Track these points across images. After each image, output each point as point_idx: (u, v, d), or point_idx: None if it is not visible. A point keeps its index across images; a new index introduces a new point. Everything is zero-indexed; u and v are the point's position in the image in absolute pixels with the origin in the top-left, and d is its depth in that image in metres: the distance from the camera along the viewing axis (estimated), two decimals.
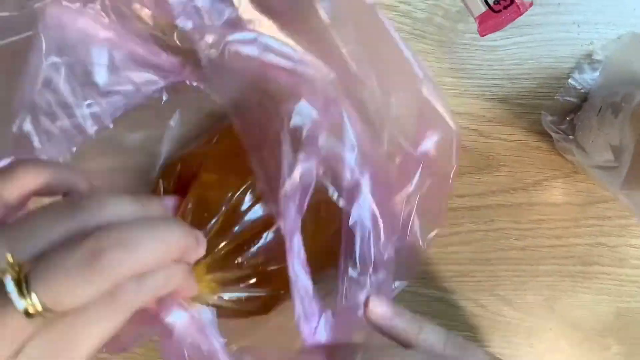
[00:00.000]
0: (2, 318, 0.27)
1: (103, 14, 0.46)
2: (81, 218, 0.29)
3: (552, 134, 0.58)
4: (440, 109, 0.44)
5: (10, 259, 0.27)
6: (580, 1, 0.60)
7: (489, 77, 0.60)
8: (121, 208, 0.31)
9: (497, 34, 0.59)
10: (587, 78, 0.60)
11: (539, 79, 0.60)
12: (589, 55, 0.60)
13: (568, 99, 0.60)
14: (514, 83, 0.60)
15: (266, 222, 0.47)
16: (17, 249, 0.27)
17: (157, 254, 0.30)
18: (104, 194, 0.32)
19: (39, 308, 0.26)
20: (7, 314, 0.27)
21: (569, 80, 0.60)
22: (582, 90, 0.60)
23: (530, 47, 0.60)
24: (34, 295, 0.26)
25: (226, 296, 0.45)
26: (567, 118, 0.60)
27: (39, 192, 0.34)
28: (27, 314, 0.26)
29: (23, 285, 0.26)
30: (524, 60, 0.60)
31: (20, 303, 0.26)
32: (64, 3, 0.44)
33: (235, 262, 0.46)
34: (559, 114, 0.60)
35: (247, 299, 0.46)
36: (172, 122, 0.55)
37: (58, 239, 0.28)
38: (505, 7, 0.46)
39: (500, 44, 0.60)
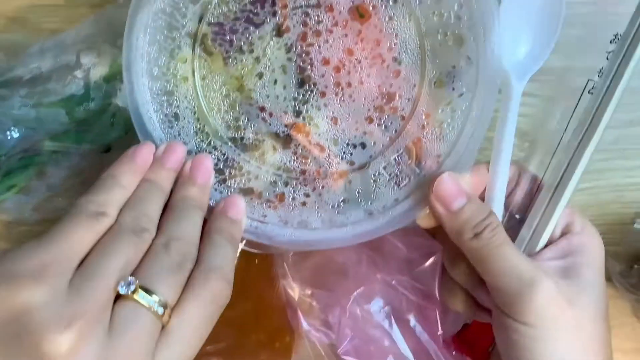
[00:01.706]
0: (138, 322, 0.33)
1: None
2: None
3: (618, 285, 0.57)
4: None
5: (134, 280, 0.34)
6: None
7: None
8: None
9: None
10: None
11: (605, 225, 0.59)
12: None
13: (636, 245, 0.58)
14: None
15: None
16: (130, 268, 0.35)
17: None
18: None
19: (164, 303, 0.33)
20: (140, 317, 0.33)
21: (635, 225, 0.58)
22: None
23: (594, 194, 0.59)
24: (155, 296, 0.33)
25: None
26: (635, 265, 0.58)
27: None
28: (155, 314, 0.33)
29: (144, 292, 0.33)
30: (588, 206, 0.59)
31: (154, 304, 0.33)
32: None
33: None
34: (626, 260, 0.59)
35: None
36: None
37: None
38: None
39: None
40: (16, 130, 0.53)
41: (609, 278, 0.58)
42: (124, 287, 0.33)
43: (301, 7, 0.44)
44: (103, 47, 0.53)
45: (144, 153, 0.41)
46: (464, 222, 0.40)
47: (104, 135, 0.55)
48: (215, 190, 0.46)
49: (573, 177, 0.44)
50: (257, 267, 0.58)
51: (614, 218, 0.59)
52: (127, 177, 0.39)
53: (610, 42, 0.46)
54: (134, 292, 0.33)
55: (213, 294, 0.37)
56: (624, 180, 0.59)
